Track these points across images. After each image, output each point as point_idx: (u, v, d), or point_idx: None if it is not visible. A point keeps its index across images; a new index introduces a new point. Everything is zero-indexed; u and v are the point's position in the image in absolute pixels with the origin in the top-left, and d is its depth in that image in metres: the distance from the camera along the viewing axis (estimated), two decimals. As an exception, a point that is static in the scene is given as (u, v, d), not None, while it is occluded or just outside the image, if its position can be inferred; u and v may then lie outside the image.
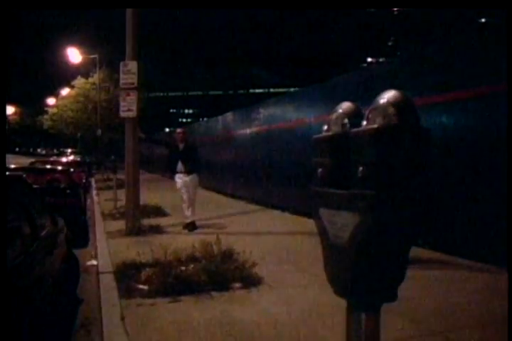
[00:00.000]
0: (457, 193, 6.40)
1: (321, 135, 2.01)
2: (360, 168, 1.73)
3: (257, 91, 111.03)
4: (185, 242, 7.12)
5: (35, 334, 3.62)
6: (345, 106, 1.99)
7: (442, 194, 6.27)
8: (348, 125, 1.91)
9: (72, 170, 13.19)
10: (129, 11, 9.33)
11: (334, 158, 1.92)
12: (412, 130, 1.72)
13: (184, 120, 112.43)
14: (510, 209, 5.08)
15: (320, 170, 1.97)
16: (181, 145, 9.76)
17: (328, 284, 2.04)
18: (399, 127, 1.69)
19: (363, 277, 1.79)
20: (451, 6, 65.09)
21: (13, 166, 13.09)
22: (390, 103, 1.72)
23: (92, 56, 34.94)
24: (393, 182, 1.69)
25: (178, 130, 10.61)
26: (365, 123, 1.81)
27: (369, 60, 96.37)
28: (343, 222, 1.81)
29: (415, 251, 1.87)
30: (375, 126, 1.72)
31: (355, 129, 1.84)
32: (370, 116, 1.78)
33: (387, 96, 1.75)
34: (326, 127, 2.01)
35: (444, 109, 6.72)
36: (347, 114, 1.95)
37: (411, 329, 4.02)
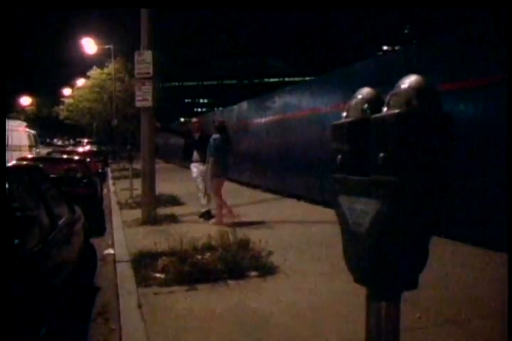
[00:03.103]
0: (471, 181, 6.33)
1: (340, 121, 1.98)
2: (381, 154, 1.70)
3: (272, 80, 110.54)
4: (201, 231, 7.14)
5: (54, 321, 3.65)
6: (365, 91, 1.95)
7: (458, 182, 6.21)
8: (368, 111, 1.87)
9: (88, 159, 13.26)
10: (143, 0, 9.31)
11: (354, 144, 1.88)
12: (434, 115, 1.68)
13: (199, 110, 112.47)
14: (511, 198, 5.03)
15: (339, 156, 1.94)
16: (197, 135, 9.77)
17: (345, 272, 2.01)
18: (420, 112, 1.65)
19: (383, 264, 1.76)
20: (450, 6, 63.99)
21: (30, 156, 13.21)
22: (412, 88, 1.68)
23: (107, 46, 34.99)
24: (414, 169, 1.65)
25: (194, 120, 10.63)
26: (385, 109, 1.77)
27: (385, 48, 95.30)
28: (363, 209, 1.78)
29: (432, 240, 1.84)
30: (396, 111, 1.68)
31: (375, 115, 1.80)
32: (390, 101, 1.74)
33: (409, 81, 1.71)
34: (345, 113, 1.98)
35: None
36: (367, 100, 1.91)
37: (428, 318, 3.99)
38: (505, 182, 5.71)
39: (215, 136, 9.02)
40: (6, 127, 17.63)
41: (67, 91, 48.46)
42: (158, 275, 5.33)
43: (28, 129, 21.85)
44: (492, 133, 6.22)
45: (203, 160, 9.49)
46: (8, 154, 16.37)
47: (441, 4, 66.96)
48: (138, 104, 9.42)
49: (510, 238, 4.46)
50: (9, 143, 18.90)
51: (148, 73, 9.28)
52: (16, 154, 16.15)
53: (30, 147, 20.90)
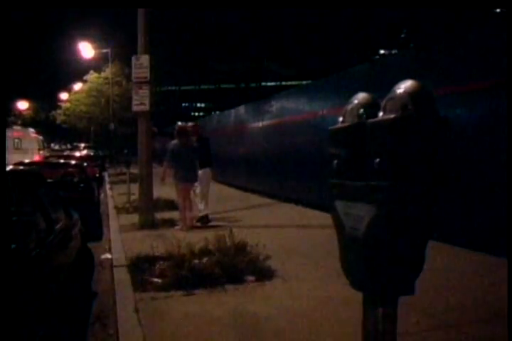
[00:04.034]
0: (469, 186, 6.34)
1: (336, 126, 1.98)
2: (377, 159, 1.71)
3: (269, 84, 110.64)
4: (199, 235, 7.12)
5: (51, 326, 3.64)
6: (361, 96, 1.96)
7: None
8: (364, 116, 1.88)
9: (85, 164, 13.26)
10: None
11: (350, 149, 1.89)
12: (430, 120, 1.69)
13: (196, 114, 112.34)
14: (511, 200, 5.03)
15: (336, 161, 1.95)
16: (194, 139, 9.76)
17: (342, 277, 2.02)
18: (416, 117, 1.66)
19: (379, 270, 1.77)
20: (450, 7, 63.98)
21: (27, 161, 13.20)
22: (407, 93, 1.69)
23: (104, 50, 34.98)
24: (410, 174, 1.66)
25: (190, 124, 10.62)
26: (381, 113, 1.78)
27: (381, 51, 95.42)
28: (360, 214, 1.79)
29: (429, 244, 1.84)
30: (392, 116, 1.69)
31: (371, 120, 1.81)
32: (386, 106, 1.75)
33: (404, 86, 1.72)
34: (341, 118, 1.99)
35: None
36: (363, 105, 1.92)
37: (426, 322, 3.99)
38: (505, 186, 5.73)
39: (173, 141, 9.20)
40: (7, 133, 21.55)
41: (64, 95, 48.35)
42: (155, 279, 5.32)
43: (36, 135, 26.66)
44: (487, 136, 6.24)
45: (200, 165, 9.49)
46: (20, 156, 19.48)
47: (440, 5, 66.98)
48: (135, 108, 9.41)
49: (510, 242, 4.46)
50: (22, 146, 23.90)
51: (146, 77, 9.28)
52: (28, 156, 20.64)
53: (39, 150, 25.44)
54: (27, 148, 24.00)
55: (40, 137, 27.47)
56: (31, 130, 27.14)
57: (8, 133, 23.62)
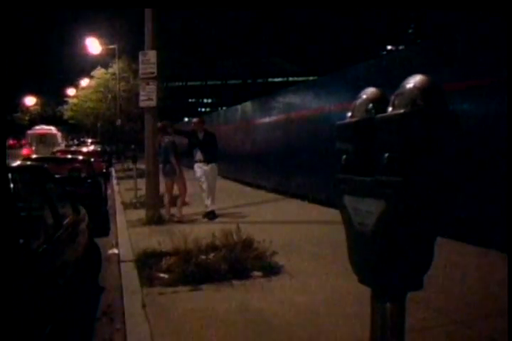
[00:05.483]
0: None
1: (345, 121, 1.97)
2: (386, 155, 1.69)
3: (276, 80, 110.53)
4: (206, 231, 7.13)
5: (58, 321, 3.66)
6: (370, 91, 1.95)
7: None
8: (372, 111, 1.87)
9: (92, 159, 13.27)
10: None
11: (359, 144, 1.88)
12: (439, 115, 1.67)
13: (203, 109, 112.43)
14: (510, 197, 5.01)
15: (344, 156, 1.94)
16: (201, 135, 9.76)
17: (349, 273, 2.01)
18: (426, 112, 1.64)
19: (387, 265, 1.76)
20: (450, 8, 63.38)
21: (35, 156, 13.25)
22: (417, 87, 1.67)
23: (112, 46, 35.00)
24: (420, 169, 1.65)
25: (195, 119, 10.61)
26: (390, 109, 1.76)
27: (389, 47, 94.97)
28: (368, 210, 1.78)
29: (437, 240, 1.83)
30: (401, 111, 1.68)
31: (380, 115, 1.79)
32: (395, 101, 1.74)
33: (414, 80, 1.70)
34: (350, 113, 1.97)
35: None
36: (371, 100, 1.91)
37: (434, 318, 3.98)
38: (506, 181, 5.70)
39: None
40: (34, 131, 33.79)
41: (71, 91, 48.43)
42: (162, 275, 5.33)
43: (57, 132, 34.28)
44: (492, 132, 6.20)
45: (206, 160, 9.50)
46: (45, 149, 25.52)
47: (440, 6, 66.56)
48: (142, 103, 9.43)
49: (510, 238, 4.45)
50: (46, 141, 31.49)
51: (153, 73, 9.29)
52: (51, 149, 24.53)
53: (59, 144, 32.16)
54: (50, 142, 31.12)
55: (59, 133, 34.28)
56: (53, 128, 35.00)
57: (36, 131, 33.23)
